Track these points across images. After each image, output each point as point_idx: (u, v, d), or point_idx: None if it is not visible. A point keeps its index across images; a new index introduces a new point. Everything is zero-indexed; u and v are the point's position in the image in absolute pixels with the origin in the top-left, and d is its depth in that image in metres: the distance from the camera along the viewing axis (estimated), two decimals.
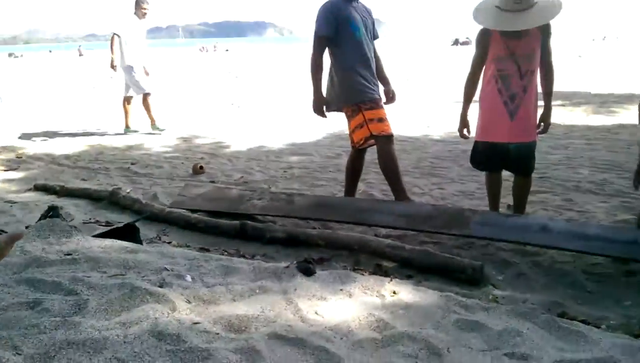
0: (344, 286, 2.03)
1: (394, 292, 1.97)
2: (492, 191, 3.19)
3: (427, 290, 2.06)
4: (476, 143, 3.07)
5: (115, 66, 6.74)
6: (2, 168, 5.05)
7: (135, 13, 6.68)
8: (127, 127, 6.93)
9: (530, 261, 2.69)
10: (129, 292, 1.93)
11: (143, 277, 2.17)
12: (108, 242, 2.62)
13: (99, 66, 24.27)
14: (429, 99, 9.58)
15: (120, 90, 7.21)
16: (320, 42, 3.32)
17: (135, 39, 6.66)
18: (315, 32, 3.33)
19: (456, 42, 41.19)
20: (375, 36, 3.51)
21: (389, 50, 29.82)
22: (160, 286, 2.05)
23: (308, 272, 2.12)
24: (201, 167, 4.84)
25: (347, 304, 1.89)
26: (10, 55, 46.03)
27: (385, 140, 3.35)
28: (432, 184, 4.21)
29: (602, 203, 3.59)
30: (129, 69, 6.69)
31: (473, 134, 3.12)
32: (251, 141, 6.23)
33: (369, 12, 3.46)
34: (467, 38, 42.42)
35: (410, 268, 2.53)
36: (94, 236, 2.76)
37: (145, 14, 6.70)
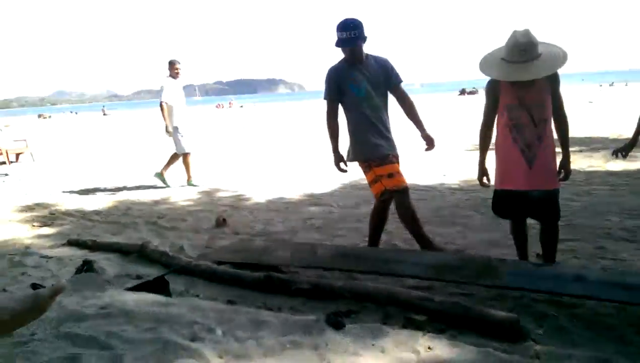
0: (376, 341, 2.02)
1: (429, 347, 1.95)
2: (518, 240, 3.17)
3: (464, 345, 2.01)
4: (496, 191, 3.09)
5: (170, 132, 7.10)
6: (37, 224, 5.22)
7: (170, 75, 7.08)
8: (189, 180, 7.23)
9: (569, 313, 2.56)
10: (162, 346, 1.98)
11: (175, 330, 2.21)
12: (140, 295, 2.69)
13: (122, 125, 25.19)
14: (443, 147, 9.66)
15: (147, 148, 7.46)
16: (328, 105, 3.61)
17: (176, 101, 7.05)
18: (324, 97, 3.63)
19: (463, 92, 41.74)
20: (392, 84, 3.60)
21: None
22: (192, 340, 2.09)
23: (338, 326, 2.13)
24: (224, 220, 4.94)
25: (382, 360, 1.88)
26: (39, 116, 48.13)
27: (399, 194, 3.50)
28: (456, 233, 4.20)
29: (636, 251, 3.49)
30: (174, 130, 7.10)
31: (492, 181, 3.16)
32: (271, 193, 6.34)
33: (381, 64, 3.55)
34: (473, 88, 43.05)
35: (442, 321, 2.43)
36: (127, 289, 2.83)
37: (178, 73, 7.08)
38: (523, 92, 2.82)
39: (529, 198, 2.92)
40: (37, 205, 6.28)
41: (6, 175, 9.09)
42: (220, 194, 6.49)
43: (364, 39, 3.40)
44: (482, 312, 2.41)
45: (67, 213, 5.73)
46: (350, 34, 3.35)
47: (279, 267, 3.44)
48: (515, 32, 2.81)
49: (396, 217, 4.73)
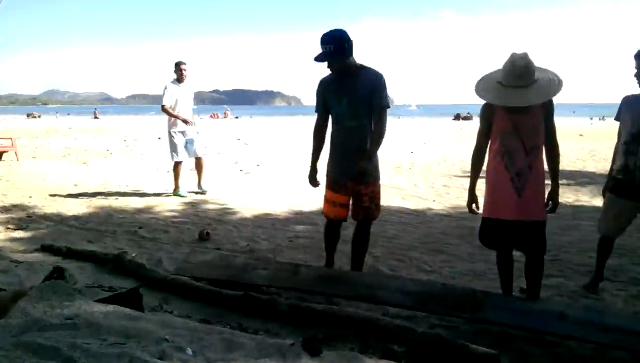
0: None
1: None
2: (503, 271, 3.10)
3: None
4: (484, 219, 3.03)
5: (189, 121, 6.95)
6: (12, 227, 5.06)
7: (176, 78, 6.97)
8: (175, 189, 7.10)
9: (550, 352, 2.54)
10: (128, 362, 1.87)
11: (143, 347, 2.10)
12: (110, 307, 2.56)
13: (113, 129, 25.01)
14: (433, 172, 9.69)
15: (134, 155, 7.36)
16: (317, 117, 3.56)
17: (179, 105, 6.89)
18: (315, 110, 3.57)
19: (457, 117, 42.18)
20: (372, 105, 3.22)
21: (394, 123, 30.58)
22: (160, 358, 1.99)
23: (314, 352, 2.04)
24: (207, 234, 4.83)
25: None
26: (28, 115, 47.60)
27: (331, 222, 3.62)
28: (440, 262, 4.14)
29: (618, 291, 3.48)
30: (169, 135, 6.99)
31: (481, 209, 3.11)
32: (258, 208, 6.26)
33: (371, 81, 3.22)
34: (468, 113, 43.57)
35: (422, 353, 2.39)
36: (97, 301, 2.71)
37: (182, 75, 6.91)
38: (517, 118, 2.78)
39: (516, 229, 2.87)
40: (15, 206, 6.11)
41: None
42: (206, 206, 6.38)
43: (343, 52, 3.13)
44: (463, 346, 2.36)
45: (45, 217, 5.57)
46: (326, 48, 3.11)
47: (259, 287, 3.35)
48: (513, 55, 2.76)
49: (382, 242, 4.69)
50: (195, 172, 7.43)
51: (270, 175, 9.21)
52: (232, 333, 2.39)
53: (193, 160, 7.28)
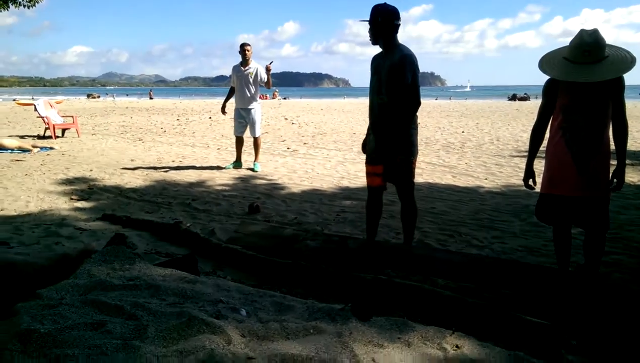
0: (402, 334, 1.95)
1: (457, 346, 1.86)
2: (561, 248, 3.00)
3: (494, 347, 1.90)
4: (542, 195, 2.94)
5: (224, 111, 7.51)
6: (75, 197, 5.38)
7: (241, 60, 7.22)
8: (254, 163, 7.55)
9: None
10: (187, 321, 1.95)
11: (200, 307, 2.20)
12: (168, 271, 2.69)
13: (167, 109, 25.81)
14: (485, 151, 9.39)
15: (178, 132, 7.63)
16: None
17: (238, 85, 7.22)
18: None
19: (514, 97, 40.45)
20: (399, 84, 3.20)
21: (444, 104, 29.71)
22: (217, 317, 2.07)
23: (364, 316, 2.06)
24: (257, 206, 4.94)
25: (406, 354, 1.81)
26: (88, 96, 50.01)
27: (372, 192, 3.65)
28: (492, 238, 4.04)
29: None
30: (235, 113, 7.40)
31: (538, 185, 3.01)
32: (305, 184, 6.33)
33: (398, 58, 3.20)
34: (525, 93, 41.72)
35: (473, 322, 2.35)
36: (156, 264, 2.84)
37: (245, 56, 7.16)
38: (583, 94, 2.68)
39: (577, 205, 2.77)
40: (77, 179, 6.48)
41: (51, 148, 9.43)
42: (255, 182, 6.51)
43: (376, 24, 3.23)
44: (514, 315, 2.31)
45: (105, 189, 5.88)
46: (369, 18, 3.28)
47: (308, 256, 3.40)
48: (582, 30, 2.67)
49: (431, 218, 4.62)
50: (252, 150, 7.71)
51: (316, 153, 9.24)
52: (283, 297, 2.45)
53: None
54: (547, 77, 2.85)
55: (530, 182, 3.03)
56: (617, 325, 2.31)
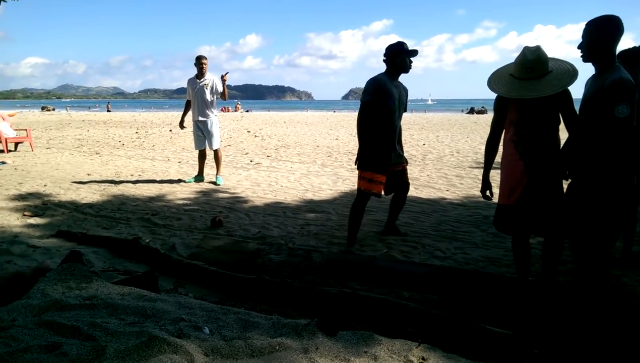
0: (368, 348, 1.94)
1: (423, 358, 1.87)
2: (519, 257, 3.08)
3: (459, 358, 1.93)
4: (499, 206, 3.03)
5: (181, 126, 7.52)
6: (28, 213, 5.14)
7: (196, 73, 7.24)
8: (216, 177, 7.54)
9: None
10: (147, 340, 1.88)
11: (161, 326, 2.13)
12: (127, 289, 2.59)
13: (125, 122, 25.17)
14: (446, 163, 9.63)
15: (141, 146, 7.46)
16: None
17: (195, 98, 7.17)
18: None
19: (472, 111, 41.81)
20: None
21: (405, 116, 30.17)
22: (178, 336, 2.01)
23: (330, 331, 2.05)
24: (220, 220, 4.86)
25: None
26: (43, 108, 48.18)
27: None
28: (454, 248, 4.13)
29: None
30: (194, 125, 7.36)
31: (496, 196, 3.10)
32: (268, 197, 6.28)
33: (403, 87, 4.14)
34: (482, 107, 43.14)
35: (437, 334, 2.37)
36: (114, 283, 2.74)
37: (201, 69, 7.12)
38: (531, 109, 2.79)
39: (533, 213, 2.86)
40: (30, 194, 6.20)
41: (3, 163, 9.00)
42: (217, 195, 6.41)
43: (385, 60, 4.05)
44: (478, 326, 2.35)
45: (60, 205, 5.64)
46: None
47: (272, 271, 3.36)
48: (525, 48, 2.80)
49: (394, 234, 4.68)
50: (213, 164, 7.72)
51: (280, 166, 9.21)
52: (247, 313, 2.40)
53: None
54: None
55: (488, 193, 3.12)
56: (577, 333, 2.39)
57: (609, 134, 2.49)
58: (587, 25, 2.61)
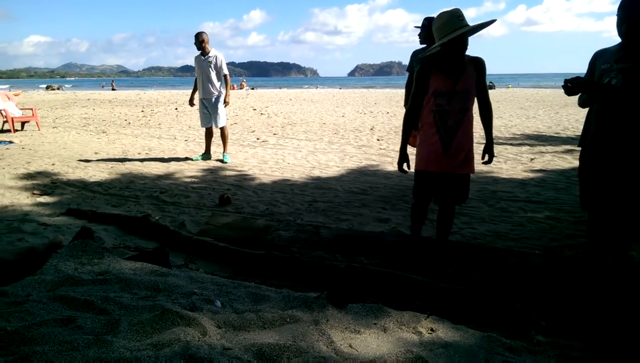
0: (378, 320, 1.97)
1: (432, 330, 1.90)
2: (418, 220, 3.27)
3: (467, 329, 1.95)
4: (417, 172, 3.14)
5: (194, 104, 7.44)
6: (37, 192, 5.18)
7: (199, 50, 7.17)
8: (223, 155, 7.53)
9: None
10: (160, 314, 1.92)
11: (173, 300, 2.16)
12: (138, 264, 2.63)
13: (130, 100, 25.13)
14: None
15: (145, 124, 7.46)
16: None
17: (199, 75, 7.13)
18: None
19: None
20: None
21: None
22: (191, 310, 2.04)
23: (340, 304, 2.07)
24: (228, 198, 4.88)
25: (383, 339, 1.83)
26: (48, 87, 48.16)
27: None
28: (462, 223, 4.13)
29: None
30: (200, 103, 7.33)
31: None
32: (276, 174, 6.29)
33: None
34: (490, 82, 42.64)
35: (446, 306, 2.40)
36: (125, 259, 2.78)
37: (201, 46, 7.03)
38: (452, 81, 2.88)
39: (442, 181, 3.01)
40: (39, 173, 6.24)
41: (11, 142, 9.04)
42: (225, 173, 6.43)
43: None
44: (486, 299, 2.37)
45: (69, 183, 5.69)
46: None
47: (281, 247, 3.39)
48: (443, 11, 2.88)
49: (401, 206, 4.68)
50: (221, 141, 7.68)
51: (287, 144, 9.19)
52: (258, 287, 2.43)
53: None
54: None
55: (405, 166, 3.14)
56: (585, 306, 2.41)
57: None
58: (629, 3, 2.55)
